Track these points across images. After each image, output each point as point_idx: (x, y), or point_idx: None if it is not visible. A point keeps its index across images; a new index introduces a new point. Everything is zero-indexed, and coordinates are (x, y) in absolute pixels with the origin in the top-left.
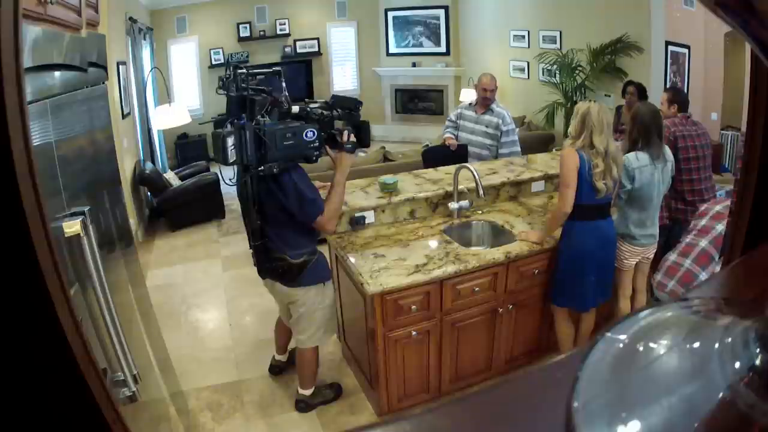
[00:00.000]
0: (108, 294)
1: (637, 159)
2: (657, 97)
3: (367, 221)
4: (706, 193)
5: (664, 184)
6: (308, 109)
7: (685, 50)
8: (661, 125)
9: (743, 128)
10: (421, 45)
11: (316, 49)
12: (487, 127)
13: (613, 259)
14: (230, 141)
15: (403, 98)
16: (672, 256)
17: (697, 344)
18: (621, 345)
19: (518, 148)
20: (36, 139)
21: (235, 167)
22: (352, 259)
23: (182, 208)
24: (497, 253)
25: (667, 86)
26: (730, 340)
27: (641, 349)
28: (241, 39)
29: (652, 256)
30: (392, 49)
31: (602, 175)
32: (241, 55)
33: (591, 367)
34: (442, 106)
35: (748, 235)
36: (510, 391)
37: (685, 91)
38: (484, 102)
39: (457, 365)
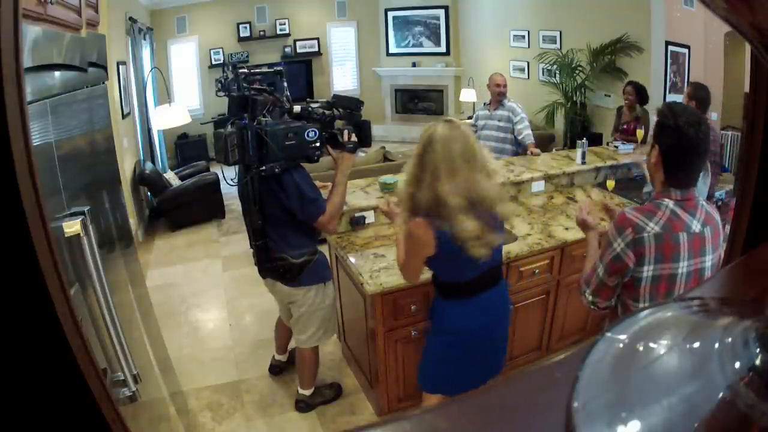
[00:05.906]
0: (108, 294)
1: None
2: (657, 97)
3: (367, 221)
4: None
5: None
6: (309, 108)
7: (685, 50)
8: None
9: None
10: (421, 45)
11: (316, 49)
12: (499, 121)
13: (506, 334)
14: (232, 141)
15: (403, 98)
16: None
17: (697, 344)
18: (621, 345)
19: (530, 132)
20: (36, 139)
21: (237, 167)
22: (352, 259)
23: (182, 208)
24: None
25: (690, 82)
26: (730, 340)
27: (641, 349)
28: (241, 39)
29: None
30: (392, 49)
31: (480, 236)
32: (241, 55)
33: (591, 367)
34: (442, 106)
35: (748, 235)
36: (510, 391)
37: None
38: (497, 98)
39: None
